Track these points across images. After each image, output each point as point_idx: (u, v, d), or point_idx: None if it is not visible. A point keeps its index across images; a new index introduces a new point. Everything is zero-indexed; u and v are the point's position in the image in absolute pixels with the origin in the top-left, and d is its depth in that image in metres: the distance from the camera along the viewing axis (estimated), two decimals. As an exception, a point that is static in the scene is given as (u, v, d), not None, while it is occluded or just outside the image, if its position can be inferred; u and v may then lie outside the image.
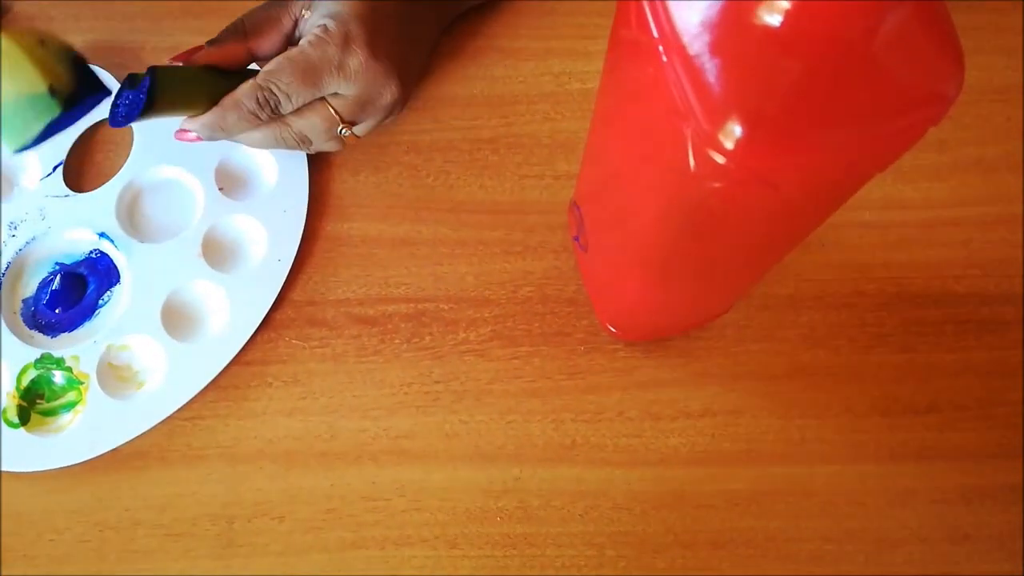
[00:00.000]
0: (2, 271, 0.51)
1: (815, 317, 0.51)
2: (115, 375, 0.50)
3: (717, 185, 0.29)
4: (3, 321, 0.50)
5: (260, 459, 0.49)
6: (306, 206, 0.53)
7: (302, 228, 0.53)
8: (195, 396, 0.49)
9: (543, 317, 0.52)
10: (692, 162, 0.29)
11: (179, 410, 0.49)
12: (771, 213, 0.33)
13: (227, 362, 0.50)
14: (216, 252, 0.53)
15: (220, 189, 0.54)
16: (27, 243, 0.52)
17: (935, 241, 0.53)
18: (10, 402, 0.48)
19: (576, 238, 0.50)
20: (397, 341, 0.51)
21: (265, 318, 0.51)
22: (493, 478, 0.48)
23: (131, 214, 0.54)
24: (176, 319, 0.51)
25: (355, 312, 0.52)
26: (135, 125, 0.55)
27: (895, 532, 0.47)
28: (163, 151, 0.54)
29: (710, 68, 0.27)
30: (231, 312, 0.51)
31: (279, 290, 0.51)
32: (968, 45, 0.58)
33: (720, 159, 0.28)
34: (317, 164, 0.55)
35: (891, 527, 0.47)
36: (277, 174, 0.54)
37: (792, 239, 0.38)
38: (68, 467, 0.47)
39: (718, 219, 0.33)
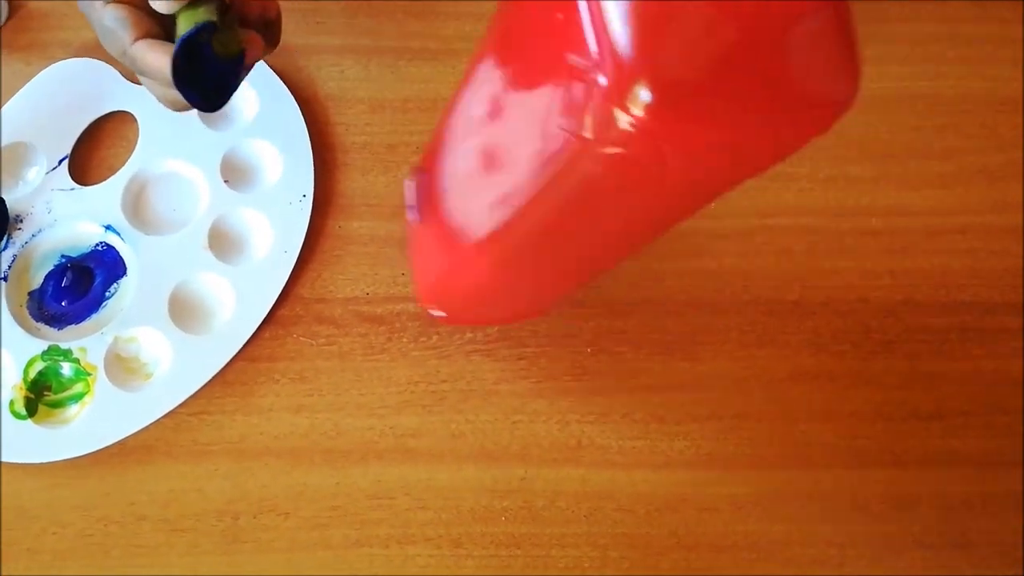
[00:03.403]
0: (8, 264, 0.51)
1: (820, 323, 0.52)
2: (123, 366, 0.50)
3: (608, 151, 0.27)
4: (10, 313, 0.50)
5: (266, 455, 0.49)
6: (312, 197, 0.53)
7: (308, 220, 0.53)
8: (202, 391, 0.49)
9: (549, 318, 0.52)
10: (588, 122, 0.27)
11: (185, 405, 0.49)
12: (647, 195, 0.31)
13: (234, 353, 0.50)
14: (222, 244, 0.53)
15: (225, 182, 0.54)
16: (33, 236, 0.52)
17: (940, 249, 0.53)
18: (17, 394, 0.48)
19: (411, 207, 0.46)
20: (404, 340, 0.51)
21: (273, 315, 0.51)
22: (498, 478, 0.49)
23: (137, 207, 0.54)
24: (183, 311, 0.51)
25: (363, 310, 0.52)
26: (139, 118, 0.54)
27: (898, 538, 0.48)
28: (168, 144, 0.54)
29: (631, 21, 0.25)
30: (237, 304, 0.51)
31: (285, 281, 0.51)
32: (973, 56, 0.59)
33: (625, 122, 0.26)
34: (327, 164, 0.55)
35: (894, 532, 0.48)
36: (282, 166, 0.54)
37: (653, 229, 0.37)
38: (73, 461, 0.47)
39: (593, 193, 0.31)
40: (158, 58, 0.39)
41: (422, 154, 0.47)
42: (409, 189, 0.46)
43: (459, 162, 0.41)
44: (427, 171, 0.45)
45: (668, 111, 0.25)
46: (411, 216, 0.46)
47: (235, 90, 0.42)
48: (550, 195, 0.32)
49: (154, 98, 0.44)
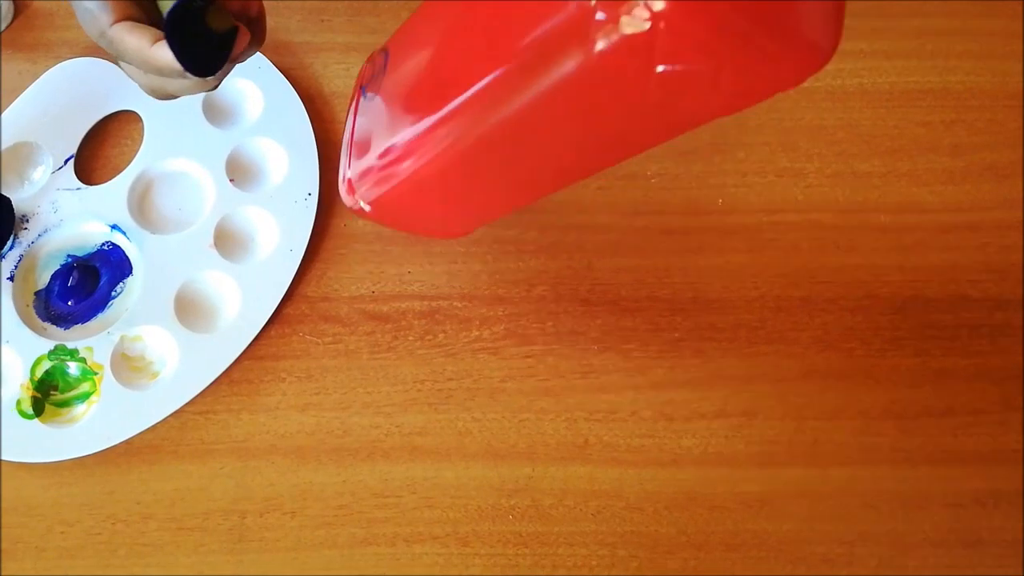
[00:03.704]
0: (15, 264, 0.51)
1: (829, 319, 0.51)
2: (129, 365, 0.50)
3: (608, 42, 0.27)
4: (17, 313, 0.50)
5: (272, 454, 0.48)
6: (317, 195, 0.53)
7: (313, 217, 0.53)
8: (208, 390, 0.49)
9: (557, 316, 0.52)
10: (598, 12, 0.27)
11: (191, 404, 0.49)
12: (620, 106, 0.31)
13: (240, 351, 0.50)
14: (228, 243, 0.52)
15: (231, 180, 0.53)
16: (39, 236, 0.52)
17: (950, 245, 0.53)
18: (24, 394, 0.48)
19: (363, 88, 0.44)
20: (410, 338, 0.51)
21: (279, 313, 0.51)
22: (505, 476, 0.48)
23: (142, 206, 0.54)
24: (189, 310, 0.51)
25: (369, 309, 0.52)
26: (144, 117, 0.54)
27: (909, 536, 0.47)
28: (174, 143, 0.54)
29: None
30: (243, 302, 0.51)
31: (291, 279, 0.51)
32: (984, 51, 0.59)
33: (643, 17, 0.26)
34: (332, 161, 0.55)
35: (905, 531, 0.47)
36: (287, 164, 0.54)
37: (609, 150, 0.36)
38: (80, 460, 0.47)
39: (570, 93, 0.30)
40: (137, 40, 0.38)
41: (396, 32, 0.44)
42: (368, 68, 0.44)
43: (429, 41, 0.39)
44: (390, 52, 0.43)
45: (686, 6, 0.26)
46: (364, 97, 0.43)
47: (224, 63, 0.40)
48: (524, 84, 0.32)
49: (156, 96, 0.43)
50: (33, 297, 0.51)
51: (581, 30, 0.28)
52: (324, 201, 0.53)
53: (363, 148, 0.43)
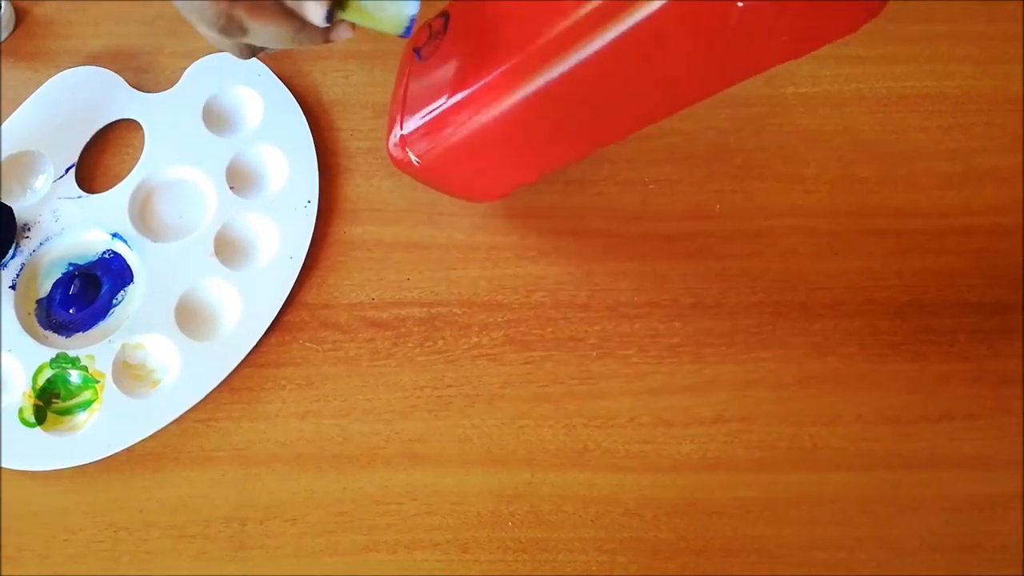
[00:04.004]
0: (16, 273, 0.51)
1: (827, 325, 0.52)
2: (130, 373, 0.50)
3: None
4: (18, 321, 0.50)
5: (273, 462, 0.49)
6: (317, 202, 0.54)
7: (313, 225, 0.53)
8: (209, 397, 0.49)
9: (556, 322, 0.52)
10: None
11: (193, 411, 0.49)
12: (708, 45, 0.33)
13: (241, 358, 0.50)
14: (228, 250, 0.53)
15: (231, 188, 0.54)
16: (41, 244, 0.52)
17: (948, 250, 0.53)
18: (26, 402, 0.48)
19: (417, 50, 0.45)
20: (410, 345, 0.51)
21: (279, 321, 0.51)
22: (505, 482, 0.49)
23: (143, 214, 0.54)
24: (190, 317, 0.51)
25: (368, 315, 0.52)
26: (145, 126, 0.55)
27: (906, 540, 0.47)
28: (174, 151, 0.55)
29: None
30: (244, 309, 0.51)
31: (291, 286, 0.52)
32: (982, 55, 0.59)
33: None
34: (331, 170, 0.55)
35: (902, 535, 0.47)
36: (287, 172, 0.54)
37: (682, 96, 0.37)
38: (82, 468, 0.47)
39: (665, 32, 0.32)
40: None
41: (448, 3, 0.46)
42: (423, 31, 0.45)
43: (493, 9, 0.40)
44: (451, 15, 0.44)
45: None
46: (417, 58, 0.45)
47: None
48: (601, 28, 0.33)
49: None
50: (35, 305, 0.51)
51: None
52: (323, 208, 0.54)
53: (418, 106, 0.44)
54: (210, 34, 0.42)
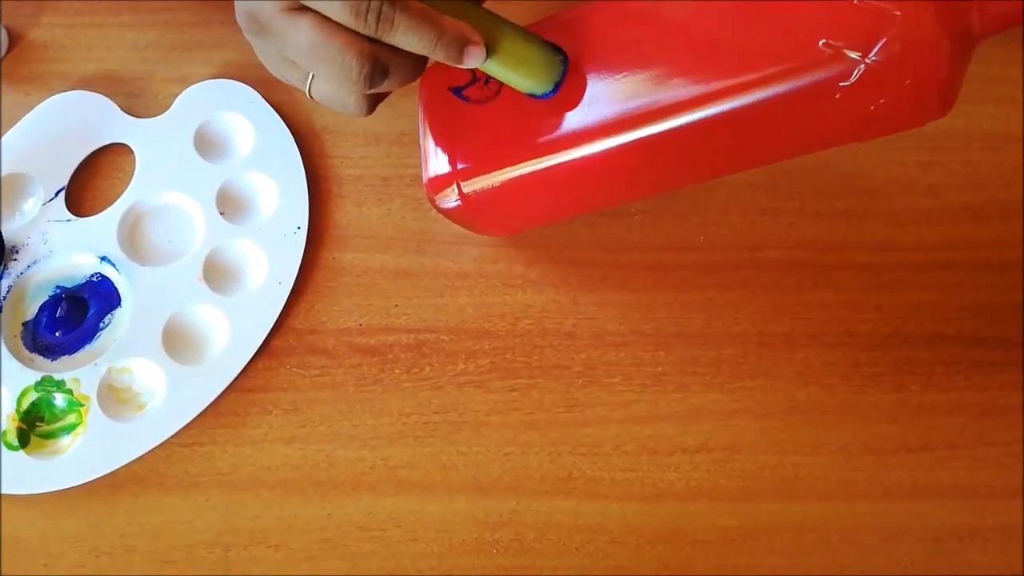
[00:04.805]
0: (3, 295, 0.51)
1: (810, 355, 0.52)
2: (116, 397, 0.50)
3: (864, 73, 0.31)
4: (4, 344, 0.50)
5: (257, 487, 0.49)
6: (307, 229, 0.54)
7: (302, 251, 0.53)
8: (194, 422, 0.49)
9: (542, 350, 0.52)
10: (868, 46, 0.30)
11: (177, 436, 0.49)
12: (844, 120, 0.34)
13: (227, 384, 0.50)
14: (217, 275, 0.53)
15: (221, 214, 0.54)
16: (28, 267, 0.52)
17: (926, 284, 0.54)
18: (10, 425, 0.48)
19: (458, 90, 0.45)
20: (397, 371, 0.51)
21: (266, 346, 0.51)
22: (489, 510, 0.49)
23: (132, 238, 0.54)
24: (177, 342, 0.51)
25: (356, 341, 0.52)
26: (136, 151, 0.55)
27: (888, 570, 0.48)
28: (165, 176, 0.55)
29: None
30: (232, 335, 0.51)
31: (279, 312, 0.52)
32: (959, 94, 0.59)
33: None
34: (320, 195, 0.56)
35: (884, 565, 0.48)
36: (277, 198, 0.55)
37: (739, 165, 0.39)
38: (65, 492, 0.47)
39: (799, 109, 0.33)
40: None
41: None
42: (458, 72, 0.44)
43: (612, 48, 0.39)
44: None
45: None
46: (461, 99, 0.44)
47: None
48: (713, 102, 0.33)
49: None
50: (21, 328, 0.51)
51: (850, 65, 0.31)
52: (313, 234, 0.54)
53: (477, 151, 0.44)
54: (329, 91, 0.40)
